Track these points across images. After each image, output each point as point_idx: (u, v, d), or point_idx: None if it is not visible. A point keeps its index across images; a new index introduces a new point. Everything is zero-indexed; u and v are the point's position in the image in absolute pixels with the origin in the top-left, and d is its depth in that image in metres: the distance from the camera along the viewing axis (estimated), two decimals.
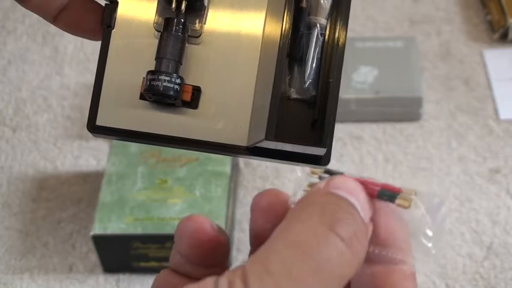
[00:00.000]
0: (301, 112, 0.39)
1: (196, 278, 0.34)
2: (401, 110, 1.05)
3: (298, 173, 0.34)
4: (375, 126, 1.05)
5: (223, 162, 0.92)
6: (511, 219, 0.94)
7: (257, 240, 0.35)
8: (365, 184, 0.33)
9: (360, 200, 0.31)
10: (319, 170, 0.34)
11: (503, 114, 1.06)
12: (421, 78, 1.06)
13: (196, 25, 0.41)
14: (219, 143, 0.41)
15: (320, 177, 0.34)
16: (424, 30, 1.18)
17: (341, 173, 0.34)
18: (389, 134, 1.05)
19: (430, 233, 0.33)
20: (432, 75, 1.12)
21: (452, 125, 1.05)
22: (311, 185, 0.34)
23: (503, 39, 1.15)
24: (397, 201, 0.33)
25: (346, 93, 1.03)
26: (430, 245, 0.33)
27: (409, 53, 1.08)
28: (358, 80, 1.05)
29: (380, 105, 1.04)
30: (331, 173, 0.34)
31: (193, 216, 0.34)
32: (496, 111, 1.07)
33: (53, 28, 1.24)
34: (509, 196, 0.97)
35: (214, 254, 0.34)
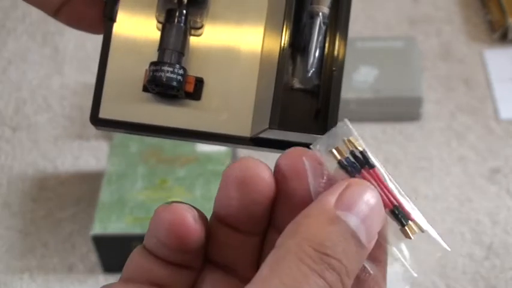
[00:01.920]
0: (305, 102, 0.39)
1: (173, 262, 0.34)
2: (401, 110, 1.05)
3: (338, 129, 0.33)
4: (375, 126, 1.05)
5: (223, 162, 0.92)
6: (511, 219, 0.94)
7: (226, 212, 0.34)
8: (386, 192, 0.32)
9: (368, 221, 0.31)
10: (357, 143, 0.33)
11: (503, 114, 1.06)
12: (421, 78, 1.06)
13: (198, 17, 0.41)
14: (222, 134, 0.41)
15: (347, 159, 0.32)
16: (424, 30, 1.18)
17: (372, 166, 0.32)
18: (389, 134, 1.05)
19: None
20: (432, 75, 1.12)
21: (452, 125, 1.05)
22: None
23: (503, 39, 1.15)
24: (405, 227, 0.32)
25: (346, 93, 1.03)
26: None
27: (409, 53, 1.08)
28: (358, 80, 1.05)
29: (380, 105, 1.04)
30: (363, 157, 0.32)
31: (172, 207, 0.33)
32: (496, 111, 1.07)
33: (53, 27, 1.25)
34: (509, 196, 0.97)
35: (193, 243, 0.34)
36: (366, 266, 0.32)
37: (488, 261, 0.90)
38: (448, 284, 0.89)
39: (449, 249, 0.33)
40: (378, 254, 0.33)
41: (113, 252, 0.88)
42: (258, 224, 0.34)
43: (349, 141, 0.33)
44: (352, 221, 0.30)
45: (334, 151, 0.33)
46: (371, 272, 0.32)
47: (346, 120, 0.33)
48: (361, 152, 0.32)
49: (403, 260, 0.33)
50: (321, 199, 0.31)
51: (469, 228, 0.94)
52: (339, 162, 0.32)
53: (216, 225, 0.35)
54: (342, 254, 0.30)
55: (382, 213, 0.31)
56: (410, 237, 0.32)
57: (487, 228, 0.94)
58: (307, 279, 0.29)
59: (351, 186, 0.31)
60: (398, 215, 0.32)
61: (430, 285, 0.88)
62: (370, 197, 0.31)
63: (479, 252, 0.91)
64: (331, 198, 0.31)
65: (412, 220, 0.32)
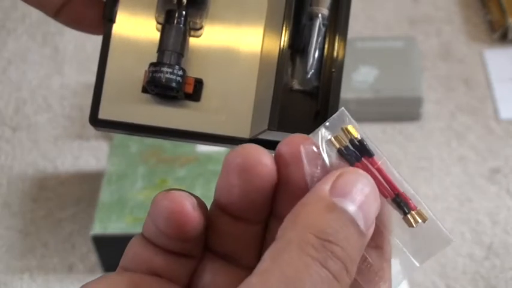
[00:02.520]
0: (304, 103, 0.39)
1: (172, 251, 0.34)
2: (401, 110, 1.05)
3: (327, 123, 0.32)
4: (375, 126, 1.05)
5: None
6: (511, 219, 0.94)
7: (227, 200, 0.34)
8: (386, 181, 0.32)
9: (365, 208, 0.30)
10: (355, 131, 0.32)
11: (503, 114, 1.06)
12: (421, 78, 1.06)
13: (198, 18, 0.41)
14: (221, 135, 0.41)
15: (346, 147, 0.32)
16: (424, 30, 1.18)
17: (371, 155, 0.32)
18: (389, 134, 1.05)
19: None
20: (432, 75, 1.12)
21: (452, 125, 1.05)
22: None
23: (503, 39, 1.15)
24: (407, 216, 0.32)
25: (346, 93, 1.03)
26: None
27: (409, 53, 1.08)
28: (358, 80, 1.05)
29: (380, 105, 1.04)
30: (362, 146, 0.32)
31: (171, 195, 0.33)
32: (496, 111, 1.07)
33: (53, 28, 1.25)
34: (509, 196, 0.97)
35: (192, 231, 0.33)
36: (367, 256, 0.31)
37: (488, 261, 0.90)
38: (448, 284, 0.89)
39: (453, 238, 0.32)
40: (379, 242, 0.32)
41: (113, 252, 0.88)
42: (259, 212, 0.34)
43: (347, 129, 0.32)
44: (350, 207, 0.30)
45: (333, 139, 0.32)
46: (372, 262, 0.32)
47: (343, 109, 0.33)
48: (359, 141, 0.32)
49: (404, 249, 0.32)
50: (316, 188, 0.31)
51: (469, 228, 0.94)
52: (338, 151, 0.32)
53: (216, 213, 0.34)
54: (344, 241, 0.29)
55: (377, 200, 0.31)
56: (413, 226, 0.32)
57: (487, 228, 0.94)
58: (308, 270, 0.28)
59: (344, 175, 0.31)
60: (400, 203, 0.32)
61: (430, 285, 0.88)
62: (364, 184, 0.31)
63: (479, 252, 0.91)
64: (325, 186, 0.31)
65: (415, 209, 0.32)
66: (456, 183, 0.99)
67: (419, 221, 0.32)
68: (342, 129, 0.32)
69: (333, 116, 0.33)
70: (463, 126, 1.05)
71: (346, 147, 0.32)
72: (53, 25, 1.11)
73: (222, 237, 0.35)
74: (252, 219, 0.34)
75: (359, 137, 0.32)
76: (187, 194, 0.34)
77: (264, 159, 0.33)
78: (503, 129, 1.05)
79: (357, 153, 0.32)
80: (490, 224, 0.94)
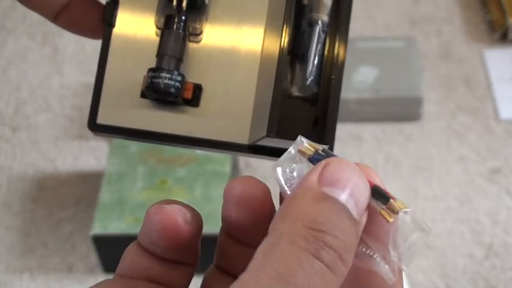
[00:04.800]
0: (303, 110, 0.39)
1: (166, 259, 0.34)
2: (401, 110, 1.05)
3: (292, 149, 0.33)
4: (375, 126, 1.05)
5: (223, 163, 0.92)
6: (511, 219, 0.94)
7: (230, 227, 0.35)
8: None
9: (356, 195, 0.30)
10: (317, 145, 0.32)
11: (503, 114, 1.06)
12: (421, 78, 1.06)
13: (197, 23, 0.41)
14: (220, 141, 0.41)
15: (311, 159, 0.32)
16: (424, 30, 1.18)
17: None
18: (389, 134, 1.05)
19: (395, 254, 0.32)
20: (432, 75, 1.12)
21: (452, 125, 1.05)
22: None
23: (503, 39, 1.15)
24: (385, 207, 0.32)
25: (346, 93, 1.03)
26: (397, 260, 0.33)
27: (409, 53, 1.08)
28: (358, 80, 1.05)
29: (380, 105, 1.04)
30: (326, 153, 0.32)
31: (163, 210, 0.34)
32: (496, 111, 1.07)
33: (53, 28, 1.25)
34: (509, 196, 0.97)
35: (185, 243, 0.34)
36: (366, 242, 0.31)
37: (488, 261, 0.90)
38: (448, 284, 0.89)
39: (430, 228, 0.32)
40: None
41: (113, 252, 0.88)
42: (260, 239, 0.34)
43: (310, 144, 0.33)
44: (340, 195, 0.30)
45: (299, 153, 0.32)
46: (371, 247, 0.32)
47: (300, 136, 0.33)
48: (323, 150, 0.32)
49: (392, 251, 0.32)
50: (304, 180, 0.30)
51: (469, 228, 0.94)
52: (309, 159, 0.32)
53: (224, 236, 0.35)
54: (337, 229, 0.29)
55: (367, 186, 0.31)
56: (397, 213, 0.31)
57: (487, 228, 0.94)
58: (300, 263, 0.28)
59: (330, 164, 0.30)
60: (381, 194, 0.31)
61: (430, 285, 0.88)
62: (351, 172, 0.30)
63: (479, 252, 0.91)
64: (313, 177, 0.30)
65: (393, 198, 0.31)
66: (456, 183, 0.99)
67: (402, 210, 0.31)
68: (305, 146, 0.33)
69: (293, 144, 0.33)
70: (463, 126, 1.05)
71: (315, 153, 0.32)
72: (53, 25, 1.10)
73: (229, 259, 0.35)
74: (255, 245, 0.35)
75: (321, 148, 0.32)
76: (180, 207, 0.34)
77: (258, 192, 0.34)
78: (503, 129, 1.05)
79: (325, 156, 0.32)
80: (490, 224, 0.94)
